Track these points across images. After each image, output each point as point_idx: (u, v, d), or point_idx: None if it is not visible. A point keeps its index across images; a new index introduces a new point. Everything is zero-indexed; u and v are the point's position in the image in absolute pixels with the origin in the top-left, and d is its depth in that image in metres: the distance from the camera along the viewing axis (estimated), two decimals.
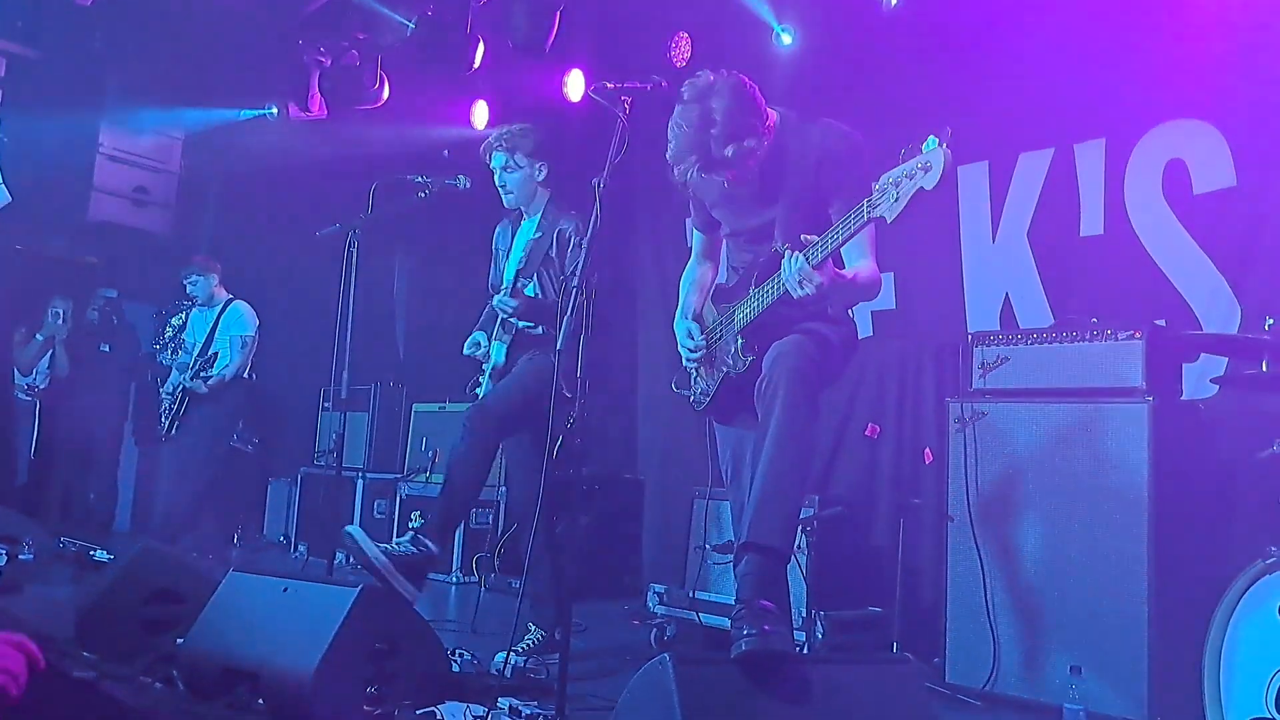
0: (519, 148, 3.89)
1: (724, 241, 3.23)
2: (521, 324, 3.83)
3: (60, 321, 6.91)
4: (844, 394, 4.91)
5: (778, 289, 2.71)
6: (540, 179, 3.93)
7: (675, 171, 2.72)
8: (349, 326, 4.47)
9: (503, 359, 3.83)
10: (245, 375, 5.84)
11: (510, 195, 3.95)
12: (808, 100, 3.36)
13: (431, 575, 5.99)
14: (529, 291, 3.84)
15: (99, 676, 2.81)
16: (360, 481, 6.80)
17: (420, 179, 4.34)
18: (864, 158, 2.72)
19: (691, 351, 3.10)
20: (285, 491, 7.54)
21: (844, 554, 4.25)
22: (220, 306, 5.96)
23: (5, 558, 4.38)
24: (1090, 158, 4.47)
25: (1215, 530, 3.25)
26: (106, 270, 7.12)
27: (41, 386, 6.98)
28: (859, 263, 2.76)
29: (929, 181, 2.31)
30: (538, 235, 3.90)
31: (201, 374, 5.66)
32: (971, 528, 3.61)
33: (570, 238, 3.81)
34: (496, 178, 3.96)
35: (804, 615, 3.93)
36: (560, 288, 3.74)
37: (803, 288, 2.56)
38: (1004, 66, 4.53)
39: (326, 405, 7.38)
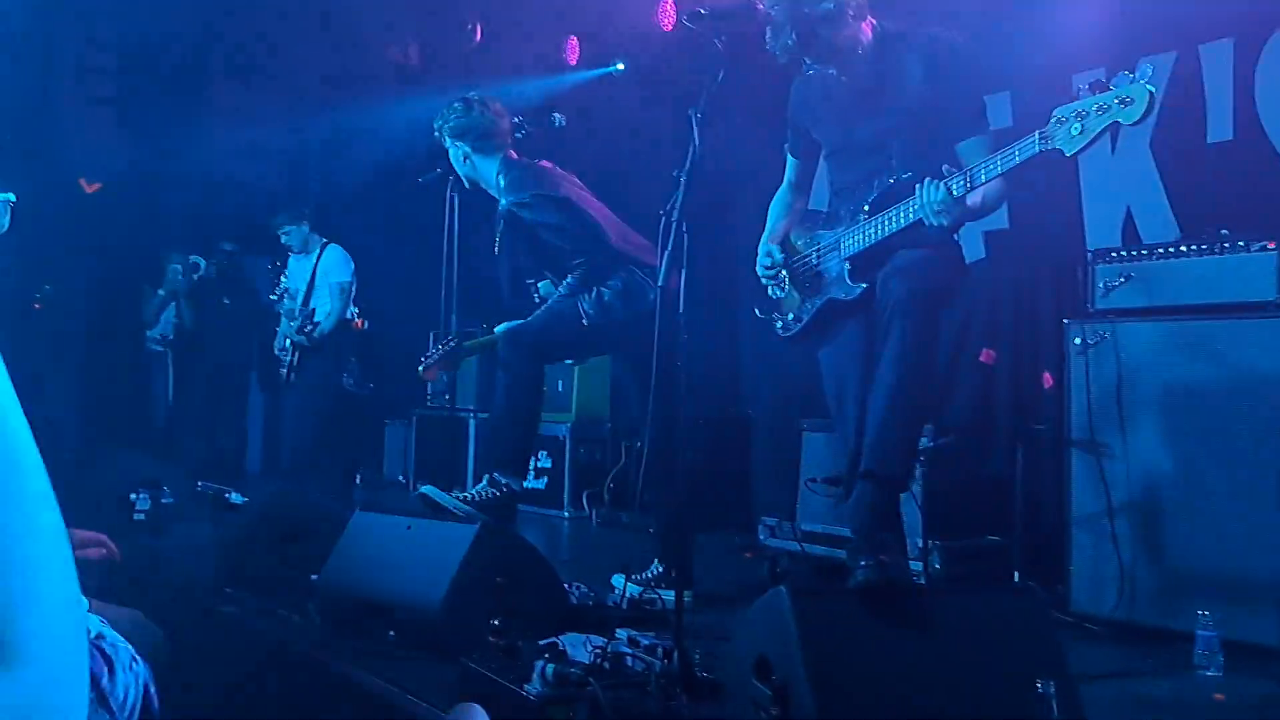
0: (463, 134, 3.80)
1: (821, 164, 3.15)
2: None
3: (179, 276, 7.21)
4: (957, 319, 4.77)
5: (905, 217, 2.63)
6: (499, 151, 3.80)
7: (777, 50, 2.65)
8: (454, 270, 4.54)
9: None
10: (349, 318, 6.01)
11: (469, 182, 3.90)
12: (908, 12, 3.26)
13: (543, 510, 6.23)
14: (551, 289, 3.85)
15: (241, 611, 2.99)
16: (473, 420, 6.97)
17: (517, 119, 4.34)
18: (980, 72, 2.63)
19: (766, 270, 3.06)
20: (402, 433, 7.78)
21: (960, 483, 4.18)
22: (316, 252, 6.12)
23: (149, 501, 4.65)
24: (1217, 59, 4.19)
25: None
26: (224, 224, 7.37)
27: (170, 338, 7.33)
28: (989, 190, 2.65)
29: (1127, 116, 2.23)
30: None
31: (305, 329, 5.85)
32: (1095, 453, 3.49)
33: (520, 222, 3.70)
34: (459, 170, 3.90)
35: (919, 545, 3.89)
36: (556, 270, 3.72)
37: (939, 218, 2.49)
38: None
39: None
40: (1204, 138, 4.21)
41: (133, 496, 4.64)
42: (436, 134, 3.82)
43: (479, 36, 6.50)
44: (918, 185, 2.66)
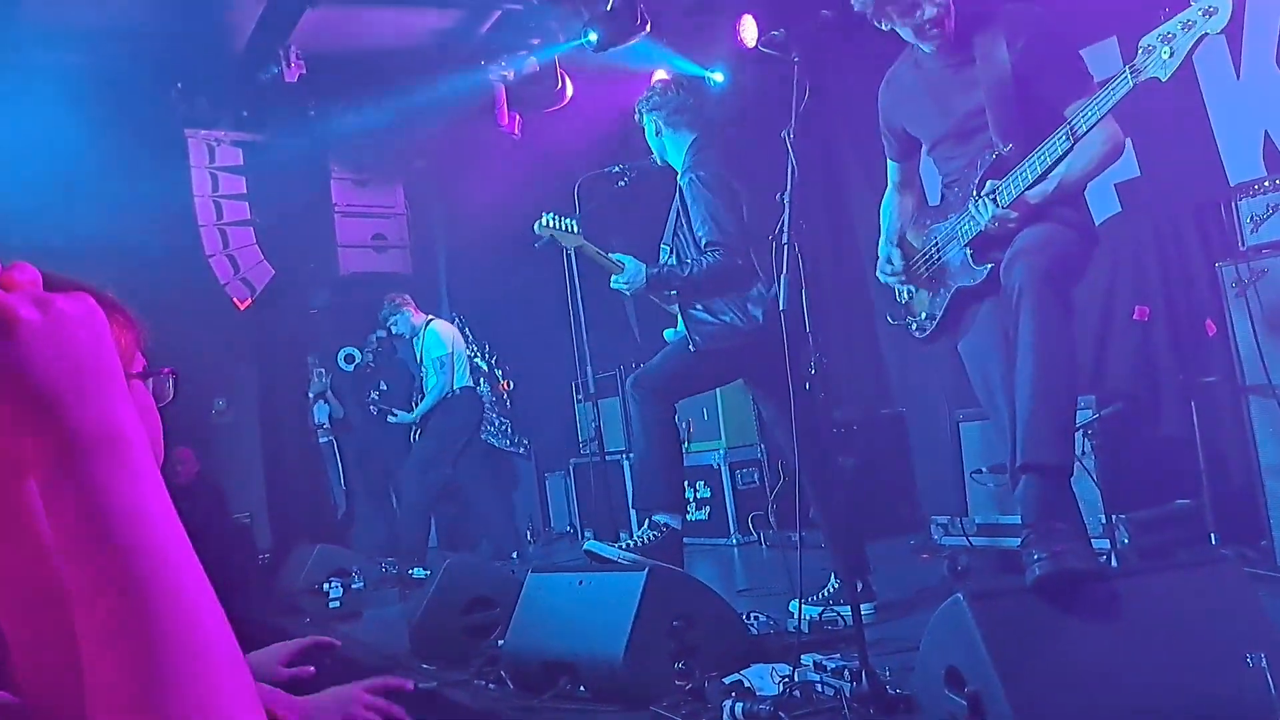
0: (654, 103, 3.77)
1: (924, 160, 3.11)
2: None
3: (323, 379, 7.67)
4: (1101, 280, 4.57)
5: (1014, 189, 2.59)
6: (683, 127, 3.76)
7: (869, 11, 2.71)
8: (582, 323, 4.66)
9: (681, 326, 3.81)
10: (456, 389, 6.29)
11: (659, 155, 3.86)
12: None
13: (710, 541, 6.25)
14: (665, 258, 3.76)
15: (440, 685, 3.12)
16: (626, 462, 7.07)
17: (618, 168, 4.43)
18: (1072, 28, 2.55)
19: (889, 275, 3.05)
20: (562, 484, 7.98)
21: (1135, 450, 3.98)
22: (421, 333, 6.43)
23: (341, 589, 4.91)
24: None
25: None
26: (364, 316, 7.76)
27: (327, 426, 7.78)
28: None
29: (1215, 25, 2.17)
30: (676, 197, 3.77)
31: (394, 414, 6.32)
32: (1276, 396, 3.28)
33: (689, 190, 3.61)
34: (650, 143, 3.86)
35: (1103, 522, 3.72)
36: (691, 251, 3.63)
37: (998, 227, 2.53)
38: None
39: (580, 397, 7.73)
40: None
41: (325, 586, 4.92)
42: (642, 112, 3.85)
43: (569, 95, 6.67)
44: (971, 203, 2.66)
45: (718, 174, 3.64)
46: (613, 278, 3.72)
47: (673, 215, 3.78)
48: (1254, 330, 3.34)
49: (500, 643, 3.16)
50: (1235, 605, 2.07)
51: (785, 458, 3.88)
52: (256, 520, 6.87)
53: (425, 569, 5.43)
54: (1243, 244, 3.40)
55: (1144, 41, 2.27)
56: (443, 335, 6.46)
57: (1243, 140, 4.23)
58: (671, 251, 3.77)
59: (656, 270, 3.68)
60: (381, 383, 7.58)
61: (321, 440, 7.73)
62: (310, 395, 7.73)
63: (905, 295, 3.12)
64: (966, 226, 2.80)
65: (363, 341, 7.93)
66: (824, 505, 3.72)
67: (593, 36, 5.81)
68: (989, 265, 2.74)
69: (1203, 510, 3.73)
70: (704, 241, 3.58)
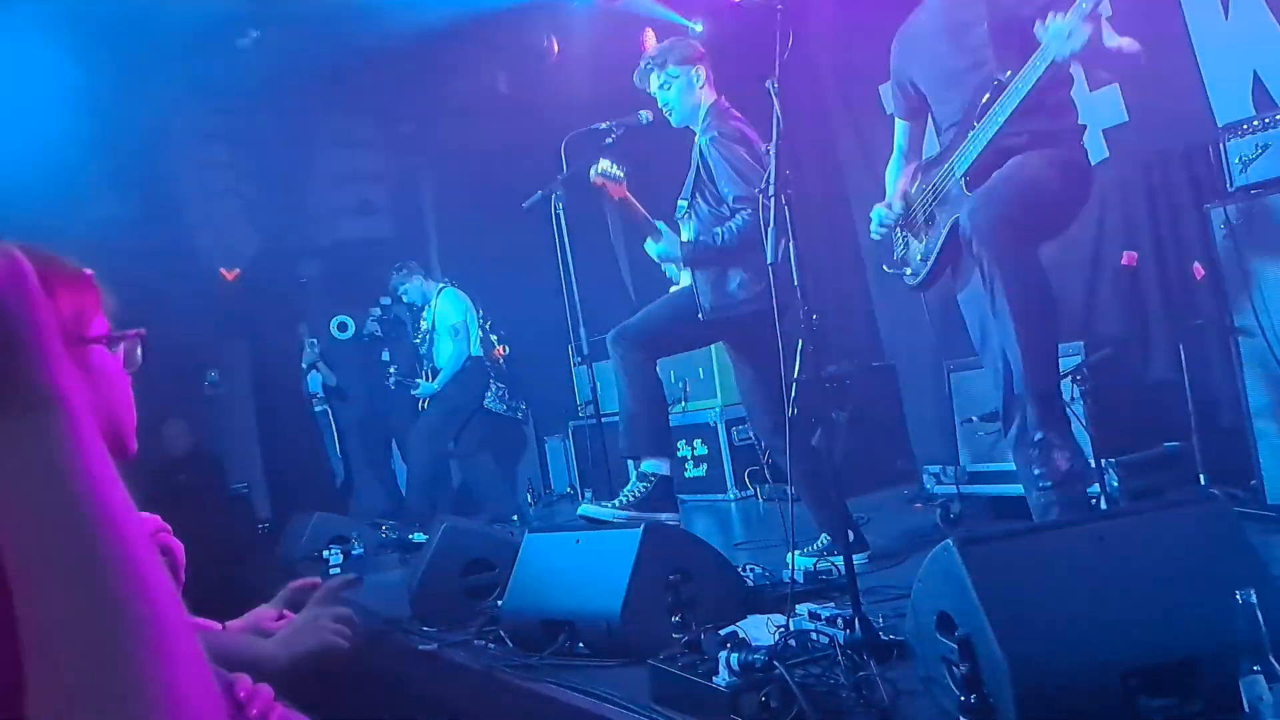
0: (669, 59, 3.70)
1: (929, 119, 3.17)
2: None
3: (315, 349, 7.64)
4: (1089, 226, 4.57)
5: (1010, 105, 2.67)
6: (701, 84, 3.71)
7: None
8: (574, 284, 4.64)
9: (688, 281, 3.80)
10: (472, 354, 6.28)
11: (674, 114, 3.77)
12: None
13: (708, 497, 6.29)
14: (684, 222, 3.73)
15: (440, 646, 3.16)
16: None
17: (605, 125, 4.39)
18: None
19: (881, 229, 3.15)
20: (560, 447, 8.01)
21: (1124, 394, 4.00)
22: (434, 300, 6.41)
23: (341, 556, 4.94)
24: None
25: None
26: (355, 284, 7.73)
27: (321, 395, 7.78)
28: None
29: None
30: (695, 156, 3.73)
31: (413, 387, 6.36)
32: (1264, 338, 3.29)
33: (711, 150, 3.57)
34: (660, 101, 3.78)
35: (1092, 466, 3.75)
36: (717, 211, 3.60)
37: (1072, 41, 2.50)
38: None
39: (576, 360, 7.73)
40: None
41: (325, 554, 4.94)
42: (659, 57, 3.73)
43: (556, 51, 6.59)
44: (1042, 22, 2.60)
45: (739, 130, 3.61)
46: (648, 242, 3.70)
47: (693, 173, 3.74)
48: (1243, 271, 3.34)
49: (499, 603, 3.18)
50: (1224, 544, 2.09)
51: (760, 421, 3.87)
52: (255, 490, 6.89)
53: (425, 534, 5.46)
54: (1231, 185, 3.39)
55: None
56: (456, 302, 6.45)
57: (1231, 81, 4.21)
58: (690, 209, 3.75)
59: (693, 243, 3.65)
60: (385, 352, 7.54)
61: (316, 409, 7.73)
62: (304, 365, 7.72)
63: (902, 245, 3.20)
64: (963, 158, 2.84)
65: (354, 308, 7.91)
66: (811, 464, 3.72)
67: None
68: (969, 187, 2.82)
69: (1192, 452, 3.76)
70: (732, 197, 3.55)
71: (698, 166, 3.69)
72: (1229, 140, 3.42)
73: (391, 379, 6.79)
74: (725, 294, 3.61)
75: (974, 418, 4.27)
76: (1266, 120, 3.35)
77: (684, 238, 3.73)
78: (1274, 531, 3.14)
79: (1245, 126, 3.38)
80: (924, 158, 3.29)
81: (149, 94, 6.22)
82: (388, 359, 7.37)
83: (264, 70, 6.40)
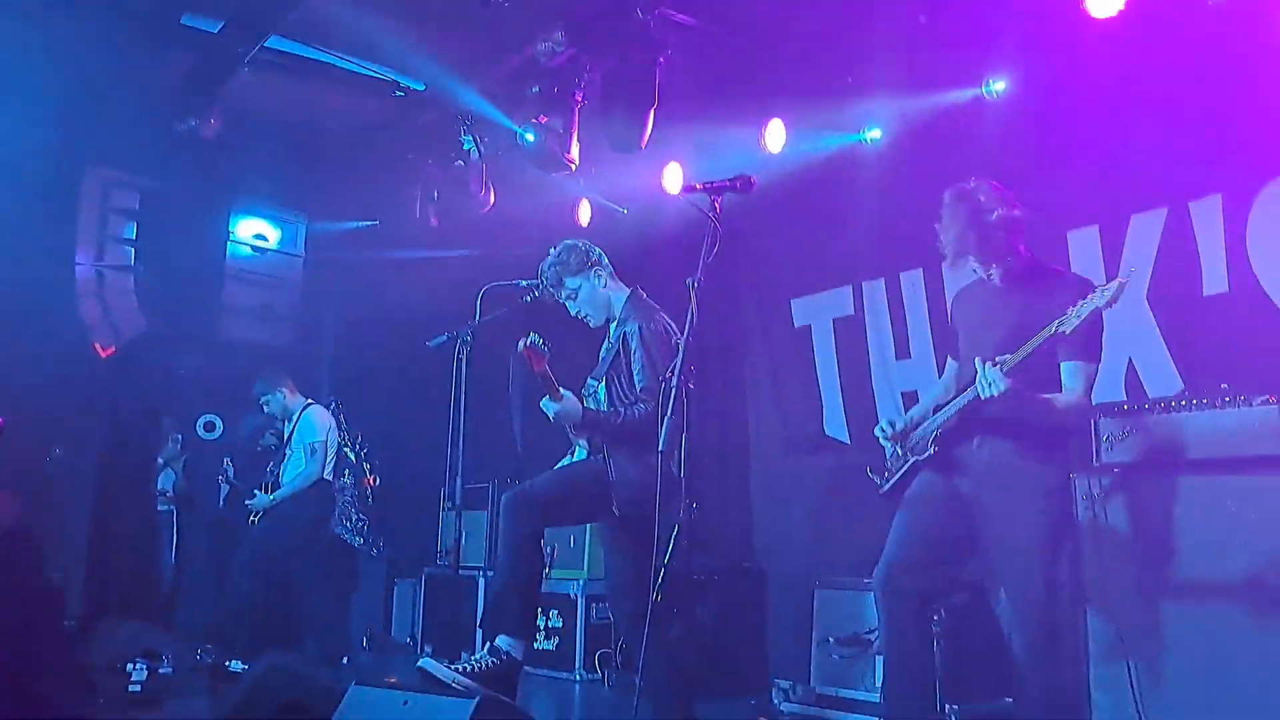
0: (564, 274, 3.81)
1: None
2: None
3: (178, 446, 7.27)
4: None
5: (953, 409, 3.21)
6: (604, 284, 3.83)
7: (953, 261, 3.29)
8: (461, 431, 4.57)
9: (584, 456, 3.79)
10: (324, 477, 6.07)
11: (591, 319, 3.87)
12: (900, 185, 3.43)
13: (554, 673, 6.05)
14: (596, 397, 3.76)
15: None
16: (482, 580, 6.86)
17: (526, 283, 4.44)
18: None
19: (882, 430, 3.50)
20: (410, 592, 7.67)
21: (977, 642, 4.05)
22: (296, 416, 6.22)
23: (146, 672, 4.55)
24: (1207, 214, 4.30)
25: None
26: (235, 386, 7.48)
27: (170, 494, 7.33)
28: (1069, 385, 3.12)
29: (1101, 300, 2.85)
30: (611, 340, 3.81)
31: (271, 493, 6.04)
32: (1112, 612, 3.40)
33: (635, 339, 3.66)
34: (571, 312, 3.89)
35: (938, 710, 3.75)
36: (627, 397, 3.65)
37: (990, 389, 2.96)
38: (1110, 130, 4.42)
39: (446, 506, 7.53)
40: (1200, 290, 4.27)
41: (129, 667, 4.55)
42: (554, 271, 3.83)
43: (492, 201, 6.73)
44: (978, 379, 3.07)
45: (665, 328, 3.69)
46: (545, 401, 3.65)
47: (609, 355, 3.79)
48: (1099, 544, 3.49)
49: None
50: None
51: (623, 603, 3.78)
52: (71, 581, 6.35)
53: (244, 663, 5.09)
54: (1097, 460, 3.58)
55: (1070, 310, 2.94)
56: (318, 422, 6.24)
57: (1108, 363, 4.47)
58: (604, 387, 3.77)
59: (596, 411, 3.66)
60: (228, 460, 7.17)
61: (160, 509, 7.28)
62: (160, 460, 7.31)
63: (890, 461, 3.53)
64: (936, 422, 3.31)
65: (228, 411, 7.60)
66: (664, 655, 3.62)
67: (530, 137, 5.90)
68: (934, 449, 3.27)
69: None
70: (640, 388, 3.60)
71: (618, 351, 3.74)
72: (1101, 418, 3.63)
73: (225, 485, 6.43)
74: (636, 489, 3.54)
75: (831, 639, 4.27)
76: (1136, 407, 3.59)
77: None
78: None
79: (1117, 408, 3.61)
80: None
81: (66, 146, 6.09)
82: (231, 466, 7.01)
83: (193, 152, 6.35)
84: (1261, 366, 3.75)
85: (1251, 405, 3.24)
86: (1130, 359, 4.46)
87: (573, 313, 3.90)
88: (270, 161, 6.91)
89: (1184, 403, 3.43)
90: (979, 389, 3.01)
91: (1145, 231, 4.51)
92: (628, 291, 3.86)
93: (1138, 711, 3.29)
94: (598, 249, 3.88)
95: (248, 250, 7.16)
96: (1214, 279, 4.24)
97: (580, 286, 3.82)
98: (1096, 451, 3.60)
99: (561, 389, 3.58)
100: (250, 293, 7.24)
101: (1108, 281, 2.89)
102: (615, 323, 3.84)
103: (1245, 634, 3.09)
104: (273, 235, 7.35)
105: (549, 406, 3.62)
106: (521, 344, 3.43)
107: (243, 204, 7.12)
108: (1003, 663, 4.09)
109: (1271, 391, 3.22)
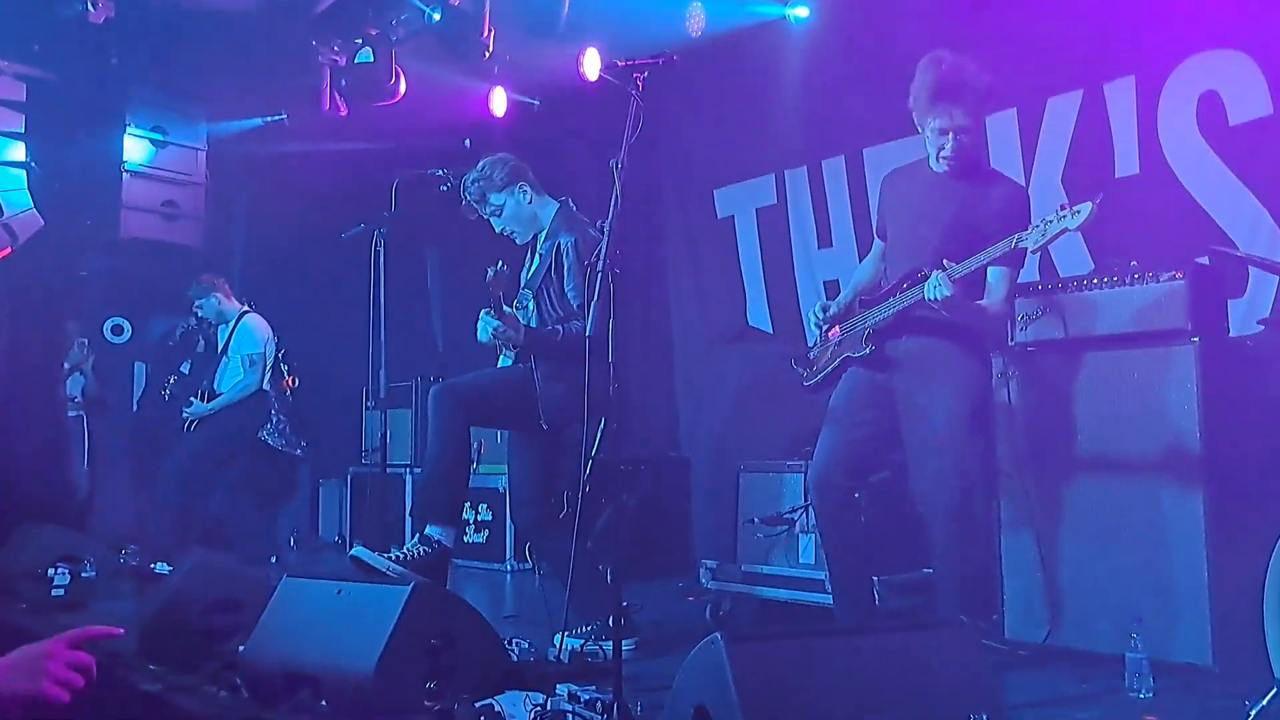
0: (489, 190, 3.74)
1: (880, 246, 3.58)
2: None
3: (84, 349, 6.99)
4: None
5: (895, 307, 3.27)
6: (529, 199, 3.78)
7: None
8: (382, 325, 4.50)
9: (509, 364, 3.77)
10: (263, 388, 5.95)
11: (517, 235, 3.83)
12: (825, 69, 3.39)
13: (485, 565, 6.14)
14: (526, 309, 3.74)
15: (165, 688, 2.88)
16: (409, 477, 6.86)
17: (441, 172, 4.32)
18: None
19: (818, 323, 3.52)
20: (337, 492, 7.64)
21: (896, 518, 4.20)
22: (233, 322, 6.04)
23: (69, 576, 4.47)
24: (1121, 96, 4.36)
25: (1272, 469, 3.17)
26: (141, 287, 7.20)
27: (79, 400, 7.09)
28: (995, 294, 3.22)
29: (1073, 223, 2.88)
30: (541, 254, 3.78)
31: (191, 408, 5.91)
32: (1023, 482, 3.55)
33: (568, 253, 3.64)
34: (496, 229, 3.83)
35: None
36: (558, 310, 3.64)
37: (936, 293, 3.04)
38: (1026, 10, 4.42)
39: (369, 404, 7.45)
40: (1112, 172, 4.36)
41: (51, 572, 4.46)
42: (477, 187, 3.74)
43: (402, 90, 6.48)
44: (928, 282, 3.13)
45: (596, 243, 3.62)
46: (485, 315, 3.56)
47: (541, 267, 3.74)
48: (1012, 419, 3.61)
49: (240, 649, 2.95)
50: (965, 669, 2.21)
51: (525, 510, 3.83)
52: None
53: (169, 565, 5.03)
54: (1011, 339, 3.68)
55: (1033, 222, 3.04)
56: (257, 331, 6.05)
57: None
58: (535, 299, 3.74)
59: (538, 330, 3.62)
60: (186, 365, 6.96)
61: (71, 414, 7.04)
62: (66, 365, 7.04)
63: (816, 350, 3.59)
64: (874, 315, 3.35)
65: (136, 313, 7.33)
66: (590, 544, 3.69)
67: (436, 16, 5.66)
68: (871, 348, 3.34)
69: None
70: (575, 302, 3.58)
71: (550, 264, 3.70)
72: (1016, 298, 3.71)
73: (167, 390, 6.29)
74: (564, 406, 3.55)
75: (756, 519, 4.39)
76: (1049, 286, 3.67)
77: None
78: (1007, 665, 3.35)
79: (1030, 288, 3.70)
80: (878, 285, 3.58)
81: None
82: (186, 372, 6.80)
83: (82, 39, 5.95)
84: (1169, 245, 3.87)
85: (1159, 281, 3.34)
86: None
87: (498, 229, 3.84)
88: (166, 49, 6.51)
89: (1094, 281, 3.53)
90: (927, 292, 3.07)
91: (1061, 114, 4.57)
92: (556, 204, 3.82)
93: (1044, 576, 3.47)
94: (523, 164, 3.81)
95: (147, 145, 6.76)
96: (1126, 160, 4.33)
97: (505, 203, 3.76)
98: (1010, 330, 3.69)
99: (505, 307, 3.52)
100: (152, 189, 6.88)
101: (1073, 203, 2.92)
102: (544, 234, 3.80)
103: (1152, 495, 3.26)
104: (172, 128, 6.97)
105: (488, 322, 3.57)
106: (490, 273, 3.37)
107: (138, 95, 6.70)
108: (920, 536, 4.30)
109: (1178, 268, 3.33)
